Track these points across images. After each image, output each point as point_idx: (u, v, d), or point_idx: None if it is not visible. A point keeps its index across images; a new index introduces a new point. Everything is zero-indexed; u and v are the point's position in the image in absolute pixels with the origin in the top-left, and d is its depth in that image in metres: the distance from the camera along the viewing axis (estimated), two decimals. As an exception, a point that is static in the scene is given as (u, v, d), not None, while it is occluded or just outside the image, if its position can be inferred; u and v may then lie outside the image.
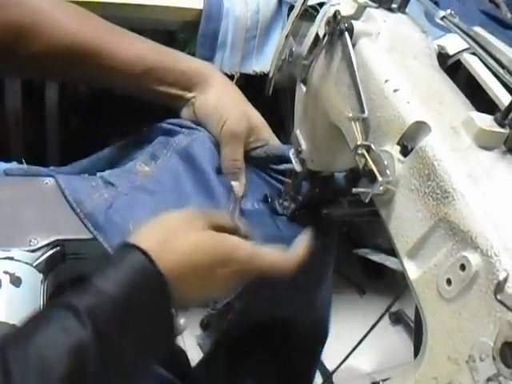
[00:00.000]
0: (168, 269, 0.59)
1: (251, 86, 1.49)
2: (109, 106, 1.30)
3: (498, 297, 0.41)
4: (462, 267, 0.45)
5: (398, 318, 1.86)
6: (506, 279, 0.41)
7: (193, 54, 1.43)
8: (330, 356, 1.47)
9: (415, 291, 0.50)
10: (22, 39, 0.80)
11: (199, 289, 0.65)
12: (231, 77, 1.30)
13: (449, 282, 0.46)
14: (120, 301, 0.56)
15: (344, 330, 1.43)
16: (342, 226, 0.91)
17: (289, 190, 0.81)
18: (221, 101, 0.85)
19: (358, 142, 0.54)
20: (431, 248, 0.49)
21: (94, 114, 1.43)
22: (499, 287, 0.42)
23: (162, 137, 0.87)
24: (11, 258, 0.70)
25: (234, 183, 0.82)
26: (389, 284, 1.86)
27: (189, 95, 0.87)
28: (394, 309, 1.86)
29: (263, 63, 1.28)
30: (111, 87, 0.89)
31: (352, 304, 1.85)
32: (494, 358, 0.41)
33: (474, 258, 0.44)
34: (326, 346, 1.46)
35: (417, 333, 0.96)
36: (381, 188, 0.51)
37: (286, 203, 0.81)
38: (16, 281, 0.68)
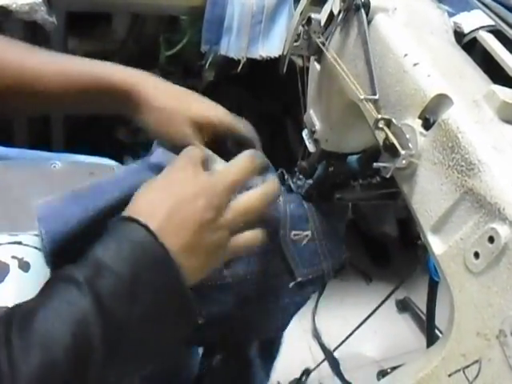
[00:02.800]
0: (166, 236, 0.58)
1: (257, 71, 1.49)
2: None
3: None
4: (491, 239, 0.43)
5: (404, 306, 1.86)
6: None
7: (194, 39, 1.42)
8: (337, 342, 1.48)
9: (440, 267, 0.49)
10: None
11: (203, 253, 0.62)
12: (238, 62, 1.29)
13: (476, 255, 0.45)
14: (124, 276, 0.55)
15: (350, 317, 1.44)
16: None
17: (302, 170, 0.80)
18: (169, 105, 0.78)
19: (379, 116, 0.53)
20: (456, 222, 0.48)
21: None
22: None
23: None
24: (19, 243, 0.68)
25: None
26: (395, 271, 1.87)
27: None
28: (400, 297, 1.87)
29: (269, 48, 1.27)
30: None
31: (359, 291, 1.86)
32: (526, 332, 0.40)
33: (503, 230, 0.43)
34: (333, 332, 1.47)
35: (429, 319, 0.95)
36: (403, 162, 0.50)
37: (299, 182, 0.80)
38: (24, 266, 0.67)
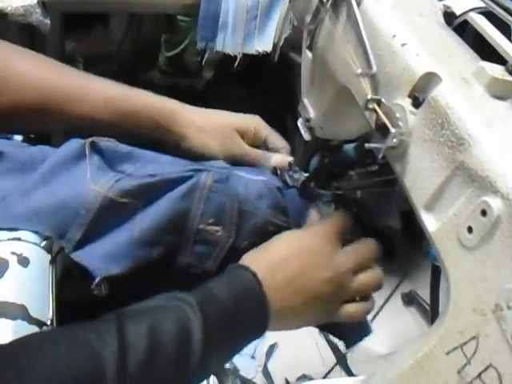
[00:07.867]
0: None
1: (255, 69, 1.49)
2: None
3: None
4: (483, 213, 0.43)
5: (410, 299, 1.85)
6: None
7: (195, 40, 1.43)
8: (344, 338, 1.48)
9: (435, 244, 0.49)
10: None
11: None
12: (234, 57, 1.29)
13: (470, 229, 0.45)
14: (229, 308, 0.63)
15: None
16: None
17: (298, 162, 0.80)
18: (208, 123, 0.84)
19: (369, 97, 0.52)
20: (449, 198, 0.48)
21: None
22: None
23: None
24: (18, 239, 0.69)
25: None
26: (400, 265, 1.86)
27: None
28: (406, 290, 1.87)
29: (265, 43, 1.26)
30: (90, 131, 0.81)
31: (364, 285, 1.85)
32: (522, 304, 0.40)
33: (495, 202, 0.42)
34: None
35: (433, 312, 0.95)
36: (394, 140, 0.50)
37: (295, 175, 0.80)
38: (23, 261, 0.67)
